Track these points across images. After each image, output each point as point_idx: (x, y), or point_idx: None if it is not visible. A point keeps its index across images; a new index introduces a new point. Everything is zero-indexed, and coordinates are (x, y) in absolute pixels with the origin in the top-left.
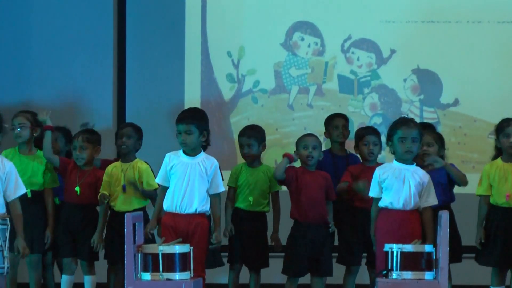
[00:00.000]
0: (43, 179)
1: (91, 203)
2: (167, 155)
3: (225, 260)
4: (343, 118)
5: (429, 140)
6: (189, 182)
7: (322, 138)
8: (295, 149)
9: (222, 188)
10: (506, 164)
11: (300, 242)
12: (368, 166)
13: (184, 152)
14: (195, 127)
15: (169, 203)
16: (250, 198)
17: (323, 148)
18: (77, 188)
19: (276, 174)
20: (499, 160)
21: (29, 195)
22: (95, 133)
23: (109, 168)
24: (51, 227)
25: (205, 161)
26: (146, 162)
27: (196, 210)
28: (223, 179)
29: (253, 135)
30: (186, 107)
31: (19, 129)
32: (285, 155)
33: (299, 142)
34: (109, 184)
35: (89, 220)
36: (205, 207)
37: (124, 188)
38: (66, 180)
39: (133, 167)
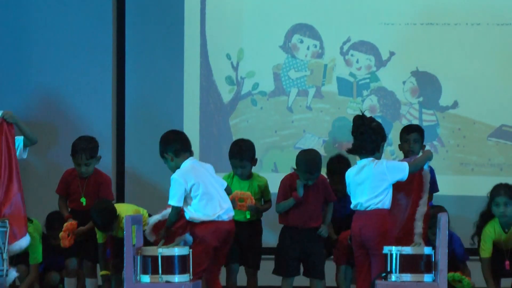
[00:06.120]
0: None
1: None
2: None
3: None
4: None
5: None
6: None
7: (321, 141)
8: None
9: None
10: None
11: (289, 244)
12: None
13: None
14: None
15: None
16: (247, 214)
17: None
18: (83, 199)
19: (278, 211)
20: (497, 224)
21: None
22: (95, 145)
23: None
24: None
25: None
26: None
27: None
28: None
29: (246, 157)
30: (185, 109)
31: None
32: (292, 196)
33: None
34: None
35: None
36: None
37: None
38: (70, 191)
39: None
